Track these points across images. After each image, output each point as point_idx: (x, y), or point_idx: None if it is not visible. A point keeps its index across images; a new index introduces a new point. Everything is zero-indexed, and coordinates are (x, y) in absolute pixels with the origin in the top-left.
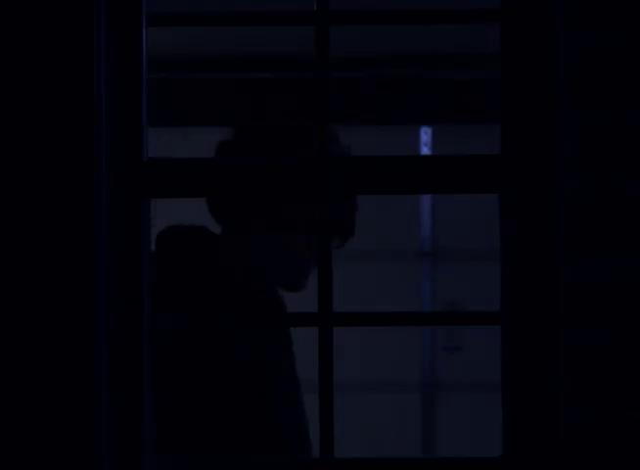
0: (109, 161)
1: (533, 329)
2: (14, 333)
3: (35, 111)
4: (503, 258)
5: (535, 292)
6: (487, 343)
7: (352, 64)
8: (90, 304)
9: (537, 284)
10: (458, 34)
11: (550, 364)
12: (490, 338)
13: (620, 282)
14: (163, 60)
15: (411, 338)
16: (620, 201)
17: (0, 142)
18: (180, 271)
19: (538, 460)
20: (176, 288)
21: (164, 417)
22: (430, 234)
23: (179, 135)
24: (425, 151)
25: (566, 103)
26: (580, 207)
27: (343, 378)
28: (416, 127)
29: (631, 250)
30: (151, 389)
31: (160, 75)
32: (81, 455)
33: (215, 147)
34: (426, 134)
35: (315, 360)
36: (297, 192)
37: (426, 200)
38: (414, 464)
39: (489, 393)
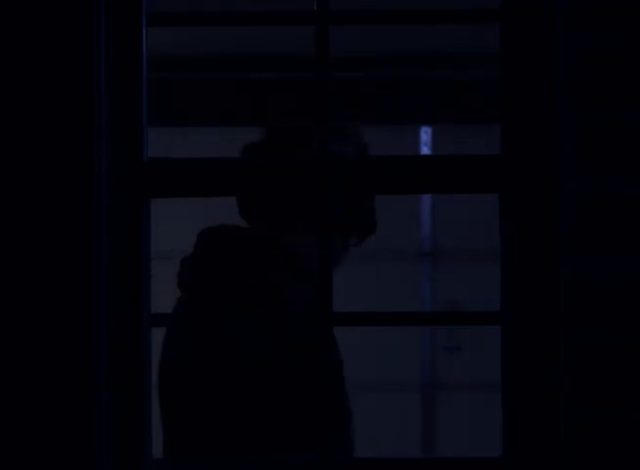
0: (109, 161)
1: (533, 329)
2: (14, 333)
3: (35, 111)
4: (503, 258)
5: (535, 292)
6: (487, 343)
7: (352, 64)
8: (90, 304)
9: (537, 284)
10: (458, 34)
11: (550, 364)
12: (490, 338)
13: (620, 282)
14: (163, 60)
15: (411, 338)
16: (620, 201)
17: (0, 142)
18: (222, 270)
19: (538, 460)
20: (218, 287)
21: (212, 416)
22: (430, 234)
23: (179, 135)
24: (425, 151)
25: (566, 103)
26: (580, 207)
27: None
28: (416, 127)
29: (631, 250)
30: (150, 389)
31: (160, 75)
32: (81, 455)
33: (241, 148)
34: (426, 134)
35: None
36: (297, 192)
37: (426, 200)
38: (414, 464)
39: (489, 393)
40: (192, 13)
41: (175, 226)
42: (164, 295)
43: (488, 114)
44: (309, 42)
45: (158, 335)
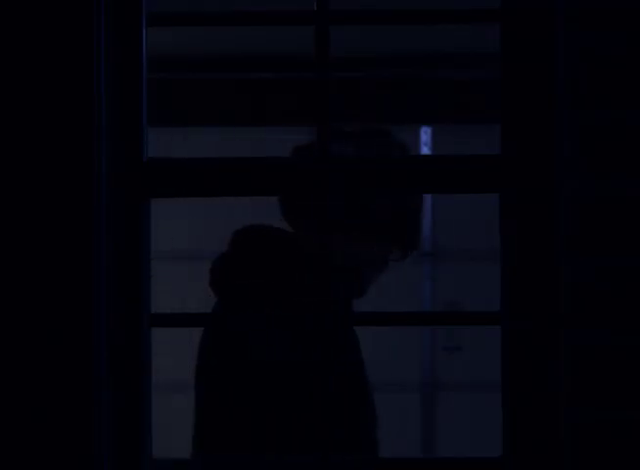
0: (109, 161)
1: (533, 329)
2: (14, 333)
3: (36, 111)
4: (503, 258)
5: (535, 292)
6: (487, 343)
7: (352, 64)
8: (90, 304)
9: (537, 284)
10: (458, 34)
11: (550, 364)
12: (490, 338)
13: (620, 282)
14: (163, 60)
15: (411, 338)
16: (620, 201)
17: (0, 142)
18: (258, 270)
19: (538, 460)
20: (251, 286)
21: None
22: (430, 234)
23: (179, 135)
24: (425, 151)
25: (566, 103)
26: (580, 207)
27: None
28: (416, 127)
29: (631, 250)
30: (150, 389)
31: (160, 75)
32: (81, 455)
33: (292, 149)
34: (426, 134)
35: None
36: (296, 192)
37: (426, 200)
38: (414, 464)
39: (489, 393)
40: (192, 13)
41: (175, 226)
42: (164, 295)
43: (488, 114)
44: (309, 42)
45: (158, 335)
